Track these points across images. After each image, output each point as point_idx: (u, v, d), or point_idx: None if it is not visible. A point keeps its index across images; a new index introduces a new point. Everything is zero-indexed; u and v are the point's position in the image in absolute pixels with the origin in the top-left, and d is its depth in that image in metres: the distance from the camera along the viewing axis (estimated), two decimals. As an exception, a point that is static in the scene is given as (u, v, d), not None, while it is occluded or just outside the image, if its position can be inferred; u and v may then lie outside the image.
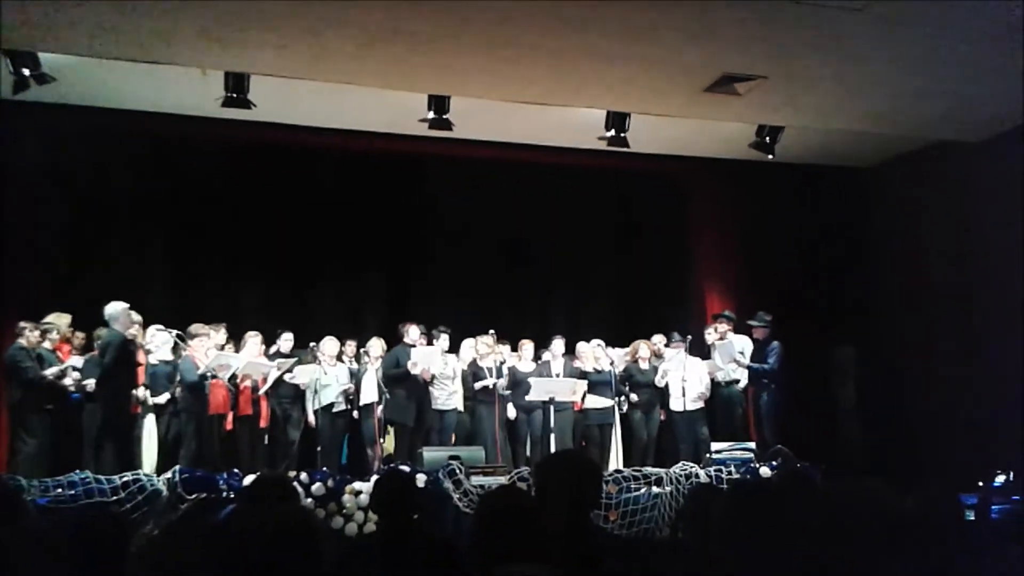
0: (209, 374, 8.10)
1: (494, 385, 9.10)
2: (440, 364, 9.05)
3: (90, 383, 7.90)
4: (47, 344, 7.99)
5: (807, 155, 10.35)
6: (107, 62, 7.55)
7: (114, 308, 7.82)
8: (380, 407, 8.84)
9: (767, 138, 9.30)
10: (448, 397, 9.12)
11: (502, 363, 9.33)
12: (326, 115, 9.23)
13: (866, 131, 9.53)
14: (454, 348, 9.48)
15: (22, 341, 7.79)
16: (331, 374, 8.90)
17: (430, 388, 9.01)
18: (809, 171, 10.72)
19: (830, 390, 10.65)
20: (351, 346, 9.39)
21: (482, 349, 9.28)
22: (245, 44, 7.11)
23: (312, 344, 8.89)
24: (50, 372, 7.80)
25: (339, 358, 9.15)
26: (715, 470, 8.08)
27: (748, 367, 9.36)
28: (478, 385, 9.15)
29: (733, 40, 7.03)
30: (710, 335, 9.81)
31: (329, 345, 9.00)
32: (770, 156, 9.39)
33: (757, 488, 3.24)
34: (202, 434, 8.14)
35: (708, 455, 8.51)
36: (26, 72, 7.45)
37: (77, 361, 8.11)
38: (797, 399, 9.56)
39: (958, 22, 6.64)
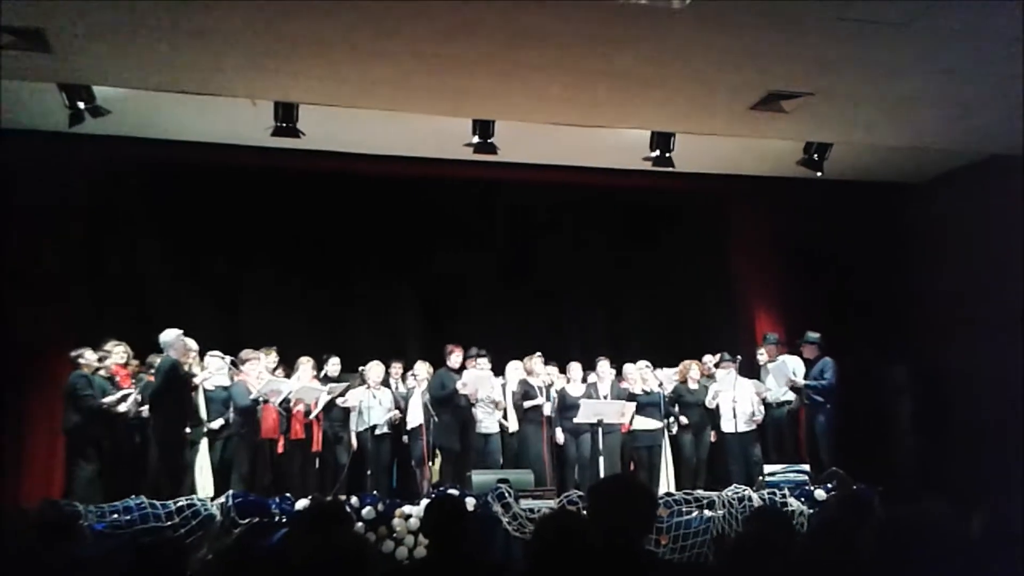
0: (261, 399, 8.20)
1: (547, 405, 9.08)
2: (489, 386, 9.07)
3: (145, 409, 8.04)
4: (104, 371, 8.14)
5: (855, 172, 10.21)
6: (160, 94, 7.72)
7: (168, 335, 7.96)
8: (427, 430, 8.86)
9: (815, 155, 9.20)
10: (492, 420, 9.12)
11: (550, 385, 9.32)
12: (373, 142, 9.33)
13: (914, 146, 9.38)
14: (495, 370, 9.45)
15: (82, 369, 7.95)
16: (376, 397, 8.97)
17: (474, 411, 9.02)
18: (857, 188, 10.58)
19: (884, 409, 10.44)
20: (397, 368, 9.45)
21: (535, 367, 9.26)
22: (294, 74, 7.22)
23: (360, 368, 8.97)
24: (108, 400, 7.94)
25: (385, 382, 9.21)
26: (769, 493, 7.95)
27: (806, 386, 9.22)
28: (527, 404, 9.12)
29: (778, 58, 6.98)
30: (762, 356, 9.72)
31: (375, 369, 9.07)
32: (819, 173, 9.30)
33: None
34: (254, 458, 8.24)
35: (761, 477, 8.39)
36: (81, 105, 7.65)
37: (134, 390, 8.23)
38: (851, 419, 9.41)
39: (1003, 34, 6.52)
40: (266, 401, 8.23)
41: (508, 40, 6.59)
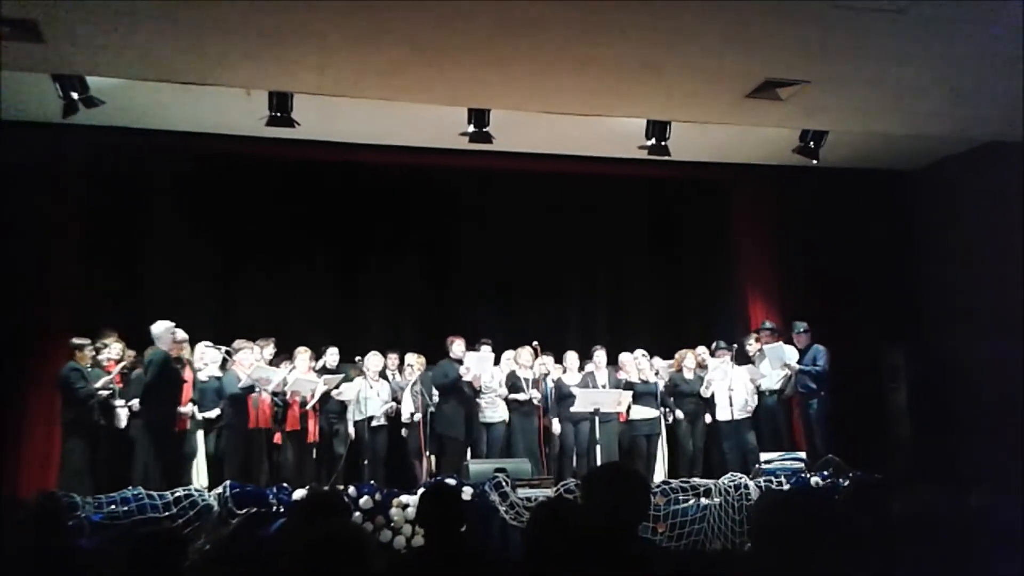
0: (258, 389, 8.17)
1: (533, 398, 9.08)
2: (490, 373, 9.06)
3: (136, 402, 8.03)
4: (102, 362, 8.12)
5: (851, 159, 10.22)
6: (154, 84, 7.69)
7: (158, 327, 7.94)
8: (422, 420, 8.84)
9: (811, 143, 9.20)
10: (495, 410, 9.12)
11: (546, 375, 9.31)
12: (368, 132, 9.31)
13: (910, 133, 9.38)
14: (496, 360, 9.44)
15: (77, 360, 7.93)
16: (374, 388, 8.97)
17: (477, 400, 9.02)
18: (853, 175, 10.59)
19: (880, 395, 10.47)
20: (393, 359, 9.44)
21: (523, 360, 9.26)
22: (288, 64, 7.19)
23: (357, 359, 8.97)
24: (100, 383, 7.90)
25: (382, 373, 9.21)
26: (765, 480, 7.98)
27: (800, 371, 9.26)
28: (512, 397, 9.12)
29: (774, 45, 6.97)
30: (751, 346, 9.74)
31: (373, 360, 9.07)
32: (815, 161, 9.29)
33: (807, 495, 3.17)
34: (248, 448, 8.22)
35: (757, 465, 8.42)
36: (75, 96, 7.59)
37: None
38: (846, 405, 9.42)
39: (1000, 21, 6.51)
40: (255, 390, 8.20)
41: (503, 29, 6.57)
